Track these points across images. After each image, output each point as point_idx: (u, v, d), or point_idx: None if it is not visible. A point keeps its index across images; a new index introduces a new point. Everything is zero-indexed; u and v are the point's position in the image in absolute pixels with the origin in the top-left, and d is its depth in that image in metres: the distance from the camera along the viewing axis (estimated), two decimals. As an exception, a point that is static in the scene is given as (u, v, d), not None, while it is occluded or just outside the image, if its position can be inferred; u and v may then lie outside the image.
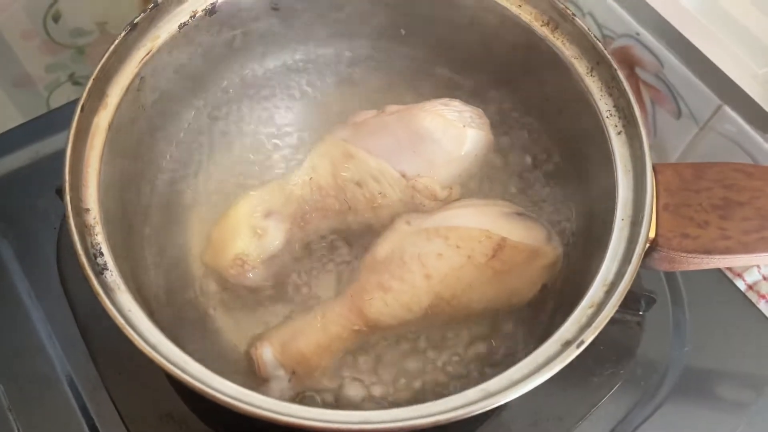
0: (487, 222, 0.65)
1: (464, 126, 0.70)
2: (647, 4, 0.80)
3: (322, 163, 0.69)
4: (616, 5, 0.84)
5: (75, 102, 0.82)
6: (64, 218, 0.71)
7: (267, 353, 0.64)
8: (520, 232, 0.65)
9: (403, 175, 0.69)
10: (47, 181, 0.75)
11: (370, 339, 0.67)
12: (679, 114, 0.83)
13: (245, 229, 0.67)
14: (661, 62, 0.81)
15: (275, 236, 0.67)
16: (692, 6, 0.80)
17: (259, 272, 0.67)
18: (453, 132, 0.70)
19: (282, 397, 0.63)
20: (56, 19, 0.83)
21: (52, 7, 0.81)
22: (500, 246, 0.64)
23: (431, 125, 0.69)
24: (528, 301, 0.67)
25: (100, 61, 0.62)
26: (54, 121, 0.81)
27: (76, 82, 0.91)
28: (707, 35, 0.77)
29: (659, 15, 0.79)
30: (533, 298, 0.66)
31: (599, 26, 0.88)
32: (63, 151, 0.76)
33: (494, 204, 0.69)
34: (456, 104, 0.72)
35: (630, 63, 0.86)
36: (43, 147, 0.80)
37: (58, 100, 0.92)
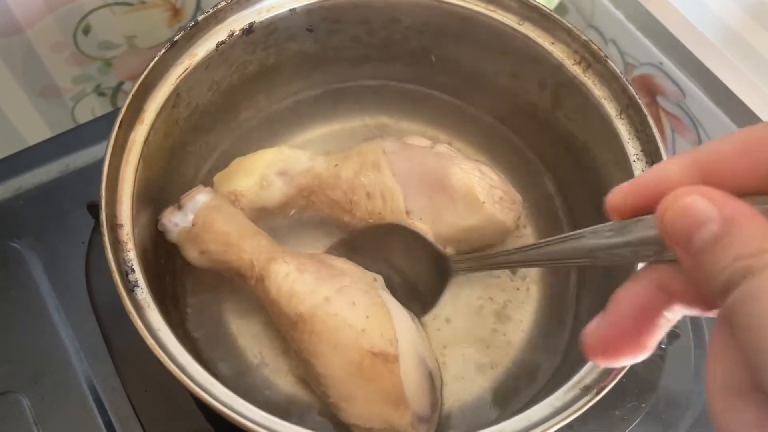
0: (407, 337, 0.61)
1: (484, 202, 0.68)
2: (671, 34, 0.80)
3: (353, 159, 0.71)
4: (639, 34, 0.84)
5: (105, 117, 0.84)
6: (96, 233, 0.73)
7: (202, 197, 0.65)
8: (412, 381, 0.60)
9: (407, 212, 0.69)
10: (77, 195, 0.76)
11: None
12: (699, 143, 0.83)
13: (255, 174, 0.69)
14: (683, 92, 0.82)
15: (274, 195, 0.70)
16: (715, 38, 0.80)
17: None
18: (471, 200, 0.68)
19: (168, 235, 0.65)
20: (86, 32, 0.83)
21: (83, 20, 0.82)
22: (389, 358, 0.59)
23: (456, 183, 0.68)
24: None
25: (138, 76, 0.62)
26: (84, 135, 0.81)
27: (102, 93, 0.91)
28: (729, 67, 0.77)
29: (683, 45, 0.79)
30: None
31: (622, 54, 0.88)
32: (93, 166, 0.79)
33: (426, 344, 0.64)
34: (492, 177, 0.70)
35: (652, 91, 0.86)
36: (73, 161, 0.80)
37: (82, 111, 0.92)
